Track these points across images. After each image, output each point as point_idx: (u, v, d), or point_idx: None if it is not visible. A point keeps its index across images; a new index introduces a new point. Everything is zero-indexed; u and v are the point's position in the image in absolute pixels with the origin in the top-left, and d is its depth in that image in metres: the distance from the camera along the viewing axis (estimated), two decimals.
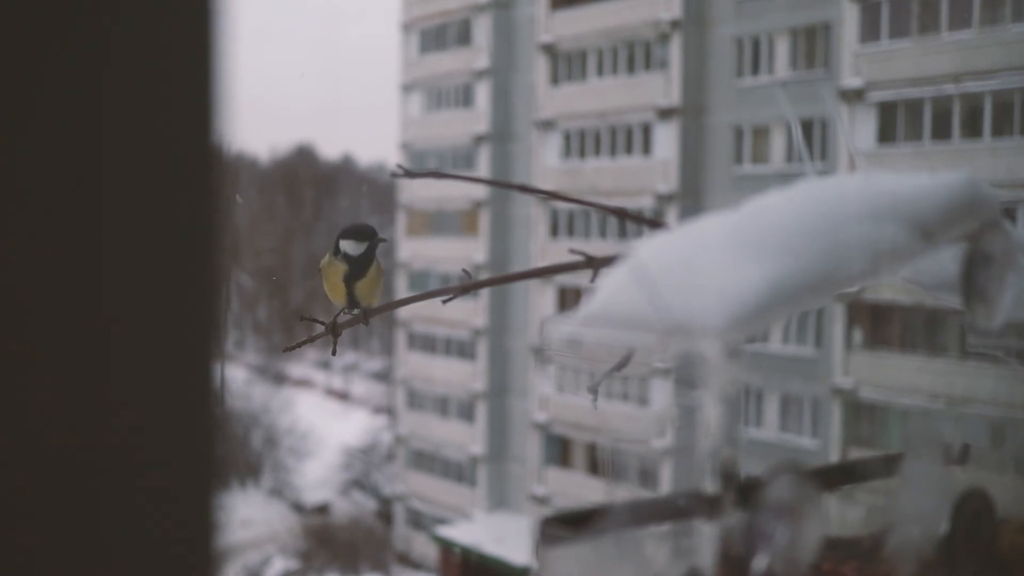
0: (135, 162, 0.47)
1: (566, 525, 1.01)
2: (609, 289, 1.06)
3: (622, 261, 1.09)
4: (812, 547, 0.99)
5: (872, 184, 1.15)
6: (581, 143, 30.51)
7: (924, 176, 1.16)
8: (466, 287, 1.63)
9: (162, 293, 0.48)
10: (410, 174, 1.80)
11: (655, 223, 1.55)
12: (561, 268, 1.58)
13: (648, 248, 1.08)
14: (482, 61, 33.71)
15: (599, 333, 1.03)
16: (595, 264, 1.47)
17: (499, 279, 1.84)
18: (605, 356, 1.14)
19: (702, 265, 1.01)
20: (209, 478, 0.51)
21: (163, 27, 0.47)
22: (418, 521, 36.54)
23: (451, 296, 1.66)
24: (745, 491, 0.97)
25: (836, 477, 1.18)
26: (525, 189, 1.91)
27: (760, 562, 0.95)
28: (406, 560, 36.99)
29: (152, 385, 0.48)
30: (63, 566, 0.46)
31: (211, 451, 0.51)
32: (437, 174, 1.78)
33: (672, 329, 0.97)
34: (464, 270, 1.70)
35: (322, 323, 1.70)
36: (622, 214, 1.66)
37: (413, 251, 36.20)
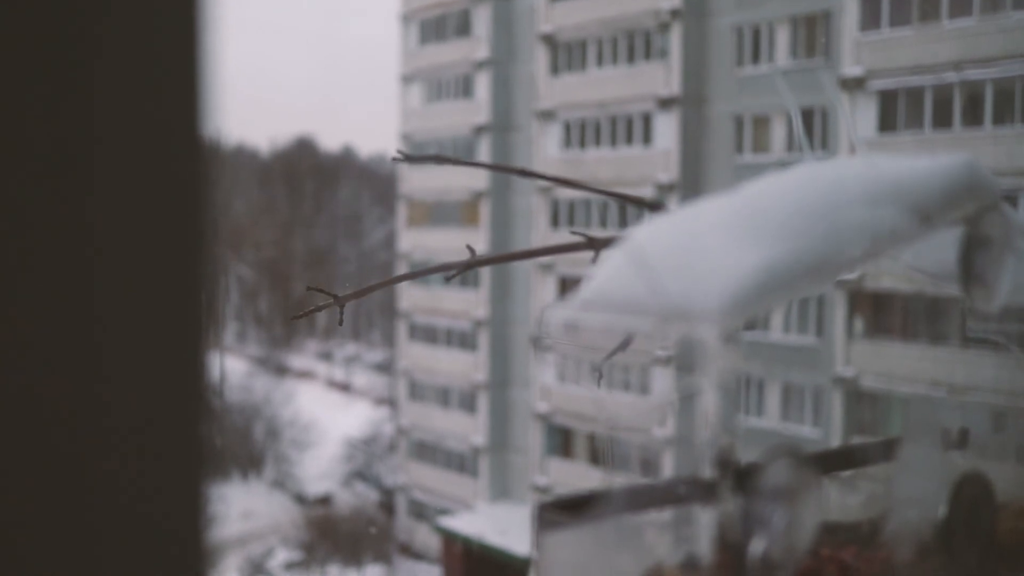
0: (126, 154, 0.47)
1: (565, 510, 1.00)
2: (606, 273, 1.06)
3: (619, 245, 1.08)
4: (810, 532, 0.98)
5: (871, 167, 1.15)
6: (581, 133, 30.47)
7: (923, 159, 1.16)
8: (469, 263, 1.62)
9: (154, 285, 0.48)
10: (410, 159, 1.79)
11: (657, 205, 1.54)
12: (563, 248, 1.58)
13: (645, 232, 1.08)
14: (482, 51, 33.64)
15: (596, 318, 1.02)
16: (597, 245, 1.47)
17: (501, 257, 1.84)
18: (603, 341, 1.14)
19: (700, 249, 1.00)
20: (203, 470, 0.50)
21: (152, 20, 0.47)
22: (420, 512, 36.61)
23: (456, 272, 1.66)
24: (743, 477, 0.97)
25: (834, 462, 1.17)
26: (527, 173, 1.91)
27: (757, 547, 0.95)
28: (408, 551, 37.06)
29: (145, 377, 0.48)
30: (57, 558, 0.46)
31: (205, 443, 0.50)
32: (438, 159, 1.77)
33: (670, 313, 0.96)
34: (468, 247, 1.70)
35: (331, 294, 1.69)
36: (624, 198, 1.66)
37: (414, 242, 36.19)
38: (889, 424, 22.91)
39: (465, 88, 34.62)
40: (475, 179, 32.50)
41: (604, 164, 29.11)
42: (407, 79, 36.83)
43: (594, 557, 1.01)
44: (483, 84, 33.80)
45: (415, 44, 36.60)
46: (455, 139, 34.39)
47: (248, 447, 45.27)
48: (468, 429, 34.63)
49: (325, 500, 43.99)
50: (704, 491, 0.97)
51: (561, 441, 30.64)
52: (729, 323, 0.94)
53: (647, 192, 26.91)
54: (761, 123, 26.02)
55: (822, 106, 22.12)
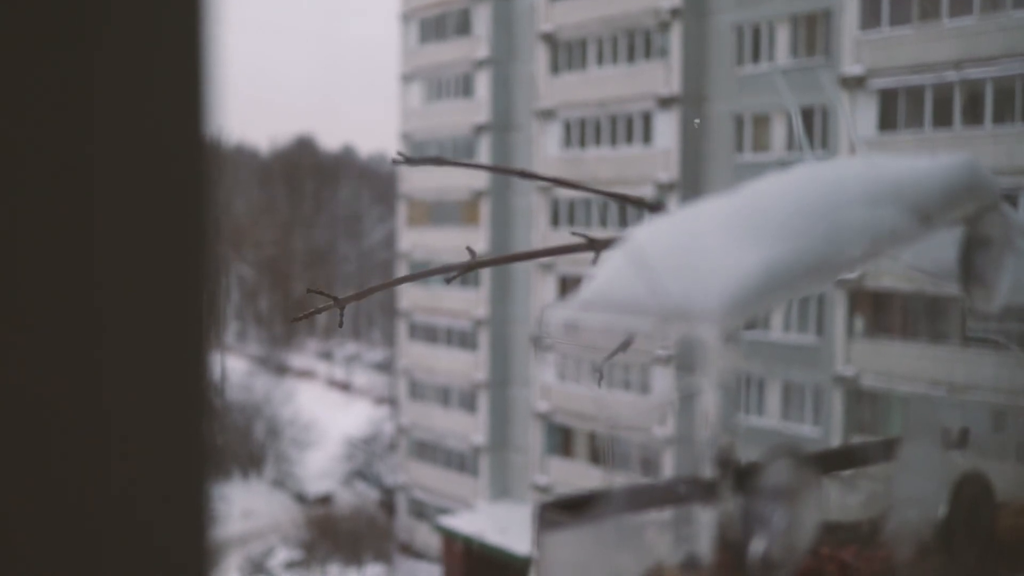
0: (127, 154, 0.47)
1: (565, 510, 1.00)
2: (607, 273, 1.06)
3: (620, 245, 1.08)
4: (810, 531, 0.98)
5: (871, 167, 1.15)
6: (582, 132, 30.46)
7: (923, 159, 1.16)
8: (470, 265, 1.62)
9: (156, 284, 0.48)
10: (410, 161, 1.79)
11: (656, 206, 1.54)
12: (563, 250, 1.58)
13: (646, 232, 1.08)
14: (482, 50, 33.63)
15: (597, 317, 1.03)
16: (597, 246, 1.47)
17: (501, 259, 1.84)
18: (603, 341, 1.14)
19: (700, 249, 1.01)
20: (204, 469, 0.50)
21: (153, 20, 0.47)
22: (421, 511, 36.61)
23: (456, 274, 1.66)
24: (743, 476, 0.97)
25: (834, 461, 1.17)
26: (526, 175, 1.91)
27: (757, 546, 0.95)
28: (409, 550, 37.06)
29: (146, 377, 0.48)
30: (58, 558, 0.46)
31: (207, 442, 0.50)
32: (438, 160, 1.77)
33: (670, 313, 0.96)
34: (468, 248, 1.70)
35: (331, 296, 1.69)
36: (623, 199, 1.66)
37: (414, 241, 36.19)
38: (889, 423, 22.91)
39: (465, 87, 34.61)
40: (475, 178, 32.50)
41: (604, 163, 29.10)
42: (407, 78, 36.82)
43: (594, 556, 1.02)
44: (483, 83, 33.78)
45: (415, 43, 36.59)
46: (455, 138, 34.37)
47: (249, 446, 45.28)
48: (468, 428, 34.63)
49: (325, 499, 44.00)
50: (704, 491, 0.97)
51: (561, 440, 30.64)
52: (729, 323, 0.94)
53: (647, 191, 26.89)
54: (761, 122, 26.01)
55: (822, 105, 22.12)
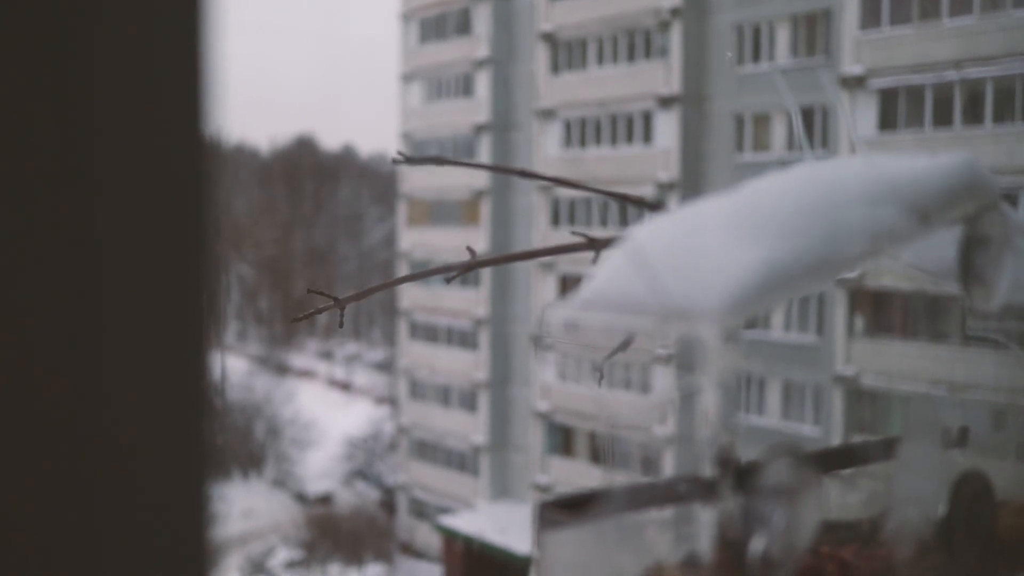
0: (128, 154, 0.47)
1: (566, 509, 1.01)
2: (607, 273, 1.06)
3: (620, 244, 1.08)
4: (810, 530, 0.99)
5: (871, 167, 1.15)
6: (582, 132, 30.46)
7: (923, 159, 1.16)
8: (470, 264, 1.63)
9: (156, 284, 0.48)
10: (411, 160, 1.79)
11: (656, 206, 1.55)
12: (563, 249, 1.58)
13: (646, 231, 1.08)
14: (482, 50, 33.63)
15: (597, 317, 1.03)
16: (597, 246, 1.47)
17: (501, 258, 1.84)
18: (603, 340, 1.14)
19: (700, 248, 1.01)
20: (205, 469, 0.50)
21: (153, 20, 0.47)
22: (421, 511, 36.61)
23: (456, 274, 1.66)
24: (743, 475, 0.97)
25: (834, 460, 1.17)
26: (526, 174, 1.91)
27: (757, 545, 0.95)
28: (409, 550, 37.06)
29: (146, 377, 0.48)
30: (58, 558, 0.46)
31: (207, 442, 0.50)
32: (438, 160, 1.77)
33: (670, 312, 0.96)
34: (468, 248, 1.70)
35: (332, 297, 1.69)
36: (623, 198, 1.66)
37: (414, 240, 36.19)
38: (889, 422, 22.91)
39: (465, 87, 34.62)
40: (475, 178, 32.51)
41: (604, 162, 29.10)
42: (407, 78, 36.82)
43: (595, 556, 1.02)
44: (483, 83, 33.79)
45: (415, 43, 36.59)
46: (455, 138, 34.38)
47: (249, 446, 45.30)
48: (469, 428, 34.63)
49: (326, 499, 44.01)
50: (705, 489, 0.97)
51: (562, 439, 30.65)
52: (729, 322, 0.94)
53: (647, 191, 26.88)
54: (761, 121, 26.01)
55: (822, 105, 22.12)
